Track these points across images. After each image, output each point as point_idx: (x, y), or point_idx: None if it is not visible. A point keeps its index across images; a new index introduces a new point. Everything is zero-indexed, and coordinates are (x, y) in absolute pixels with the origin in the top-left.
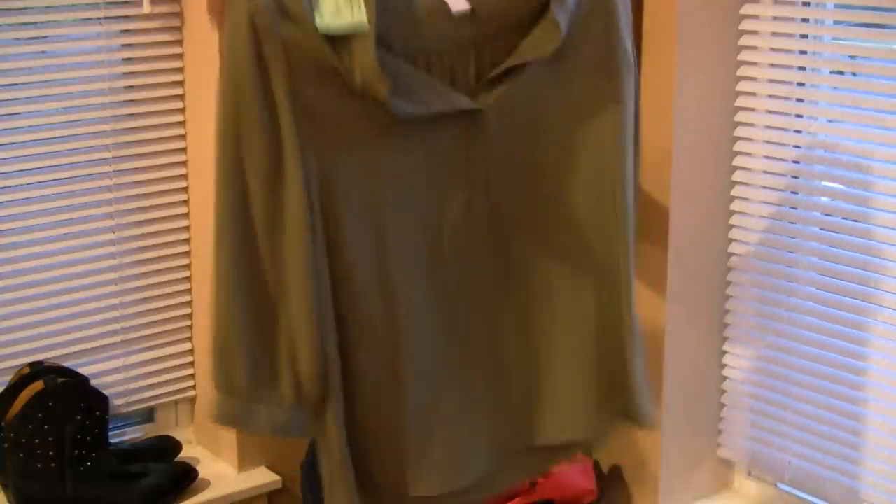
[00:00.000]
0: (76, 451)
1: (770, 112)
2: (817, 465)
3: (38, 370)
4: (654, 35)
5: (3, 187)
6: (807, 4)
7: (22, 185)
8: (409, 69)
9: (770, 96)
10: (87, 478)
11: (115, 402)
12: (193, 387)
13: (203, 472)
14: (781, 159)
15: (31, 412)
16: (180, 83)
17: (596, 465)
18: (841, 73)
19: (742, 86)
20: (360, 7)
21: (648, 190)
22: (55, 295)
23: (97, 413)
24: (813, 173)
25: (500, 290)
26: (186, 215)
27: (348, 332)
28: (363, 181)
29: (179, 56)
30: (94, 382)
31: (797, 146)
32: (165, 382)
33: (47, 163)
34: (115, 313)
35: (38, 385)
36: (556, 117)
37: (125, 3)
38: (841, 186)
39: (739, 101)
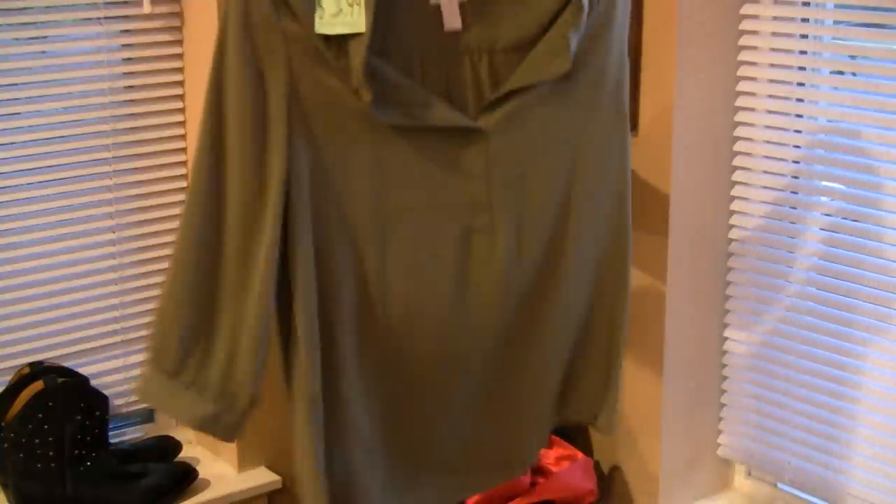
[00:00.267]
0: (76, 451)
1: (770, 112)
2: (817, 465)
3: (38, 370)
4: (654, 35)
5: (3, 187)
6: (807, 4)
7: (22, 185)
8: (403, 79)
9: (770, 96)
10: (87, 478)
11: (115, 402)
12: None
13: (203, 472)
14: (781, 159)
15: (31, 412)
16: (180, 83)
17: (596, 465)
18: (841, 73)
19: (742, 86)
20: (360, 9)
21: (648, 189)
22: (55, 295)
23: (97, 413)
24: (813, 173)
25: (497, 314)
26: None
27: (337, 341)
28: (359, 182)
29: (179, 56)
30: (94, 382)
31: (797, 146)
32: None
33: (47, 163)
34: (115, 313)
35: (38, 385)
36: (562, 136)
37: (125, 3)
38: (841, 186)
39: (739, 101)
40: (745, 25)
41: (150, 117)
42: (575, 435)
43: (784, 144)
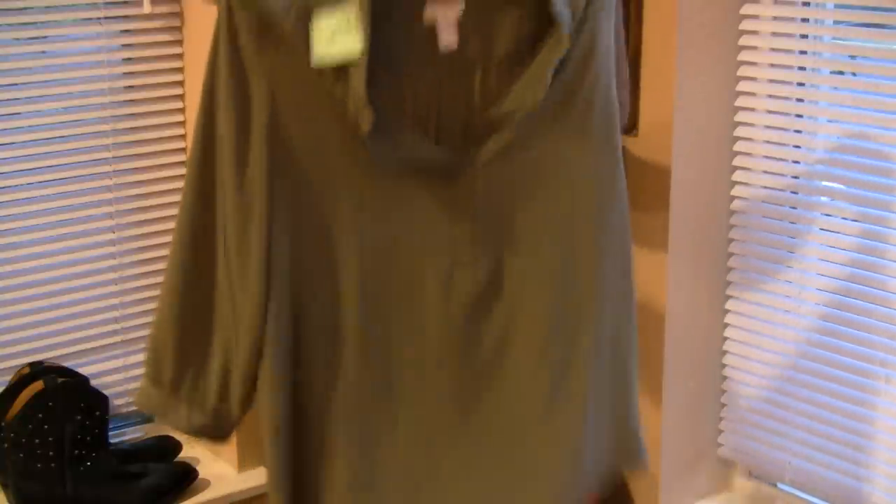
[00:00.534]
0: (76, 451)
1: (770, 112)
2: (817, 465)
3: (38, 370)
4: (654, 35)
5: (3, 187)
6: (807, 4)
7: (22, 185)
8: (393, 111)
9: (770, 96)
10: (87, 478)
11: (115, 402)
12: None
13: (203, 472)
14: (781, 159)
15: (31, 412)
16: (180, 83)
17: None
18: (841, 73)
19: (742, 86)
20: (355, 34)
21: (647, 191)
22: (55, 295)
23: (97, 413)
24: (813, 173)
25: (483, 360)
26: None
27: (310, 381)
28: (341, 220)
29: (179, 56)
30: (94, 382)
31: (797, 146)
32: None
33: (47, 163)
34: (115, 313)
35: (38, 385)
36: (553, 169)
37: (125, 3)
38: (841, 186)
39: (739, 102)
40: (745, 25)
41: (150, 117)
42: None
43: (784, 144)
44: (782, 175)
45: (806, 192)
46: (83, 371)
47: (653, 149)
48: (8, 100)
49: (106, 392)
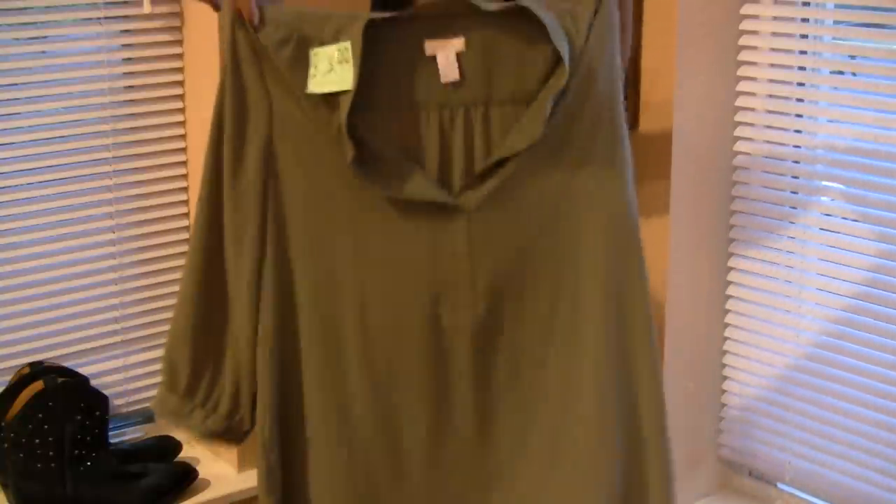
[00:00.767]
0: (76, 451)
1: (770, 112)
2: (817, 465)
3: (38, 370)
4: (654, 35)
5: (3, 187)
6: (807, 4)
7: (22, 185)
8: (386, 149)
9: (770, 96)
10: (87, 478)
11: (115, 402)
12: None
13: (203, 472)
14: (781, 159)
15: (31, 412)
16: (180, 83)
17: None
18: (841, 73)
19: (742, 86)
20: (348, 66)
21: (647, 194)
22: (55, 295)
23: (97, 413)
24: (813, 173)
25: (485, 403)
26: (186, 215)
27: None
28: (333, 250)
29: (179, 56)
30: (94, 382)
31: (797, 146)
32: None
33: (47, 163)
34: (115, 313)
35: (38, 385)
36: (554, 203)
37: (125, 3)
38: (841, 186)
39: (739, 101)
40: (745, 25)
41: (150, 117)
42: None
43: (784, 144)
44: (782, 175)
45: (806, 192)
46: (83, 371)
47: (653, 149)
48: (8, 100)
49: (106, 392)
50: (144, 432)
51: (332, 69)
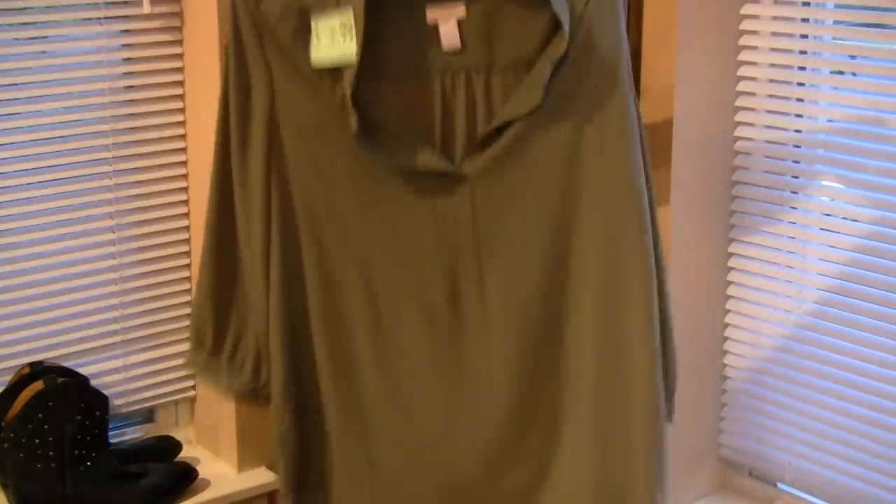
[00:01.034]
0: (76, 451)
1: (770, 112)
2: (817, 465)
3: (38, 370)
4: (655, 35)
5: (3, 187)
6: (807, 4)
7: (22, 185)
8: (390, 120)
9: (770, 96)
10: (87, 478)
11: (115, 402)
12: (193, 387)
13: (203, 472)
14: (781, 159)
15: (31, 412)
16: (180, 83)
17: None
18: (841, 73)
19: (742, 86)
20: (351, 37)
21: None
22: (55, 295)
23: (97, 413)
24: (813, 173)
25: (490, 366)
26: (186, 215)
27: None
28: (340, 218)
29: (179, 56)
30: (94, 382)
31: (797, 146)
32: (165, 382)
33: (47, 163)
34: (115, 313)
35: (38, 385)
36: (557, 169)
37: (125, 3)
38: (841, 186)
39: (739, 101)
40: (745, 25)
41: (150, 117)
42: None
43: (784, 144)
44: (782, 175)
45: (806, 192)
46: (83, 371)
47: (653, 149)
48: (8, 100)
49: (106, 392)
50: (144, 432)
51: (335, 39)
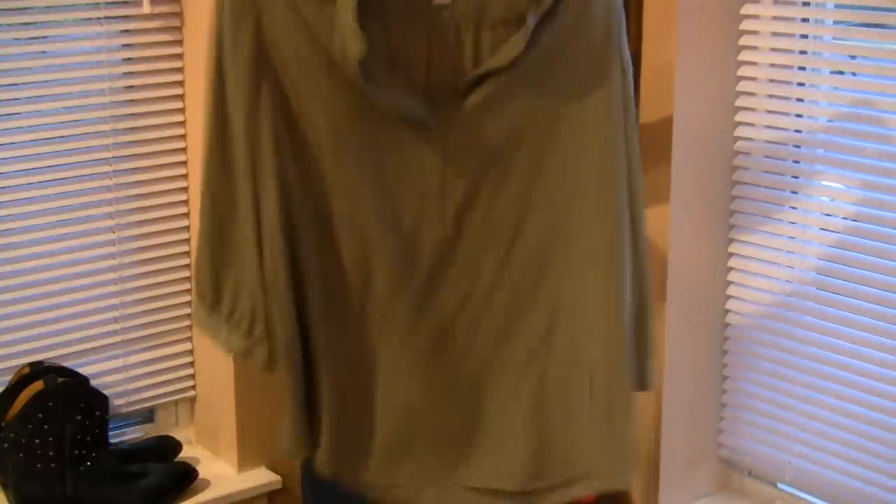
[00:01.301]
0: (76, 451)
1: (770, 112)
2: (817, 465)
3: (38, 370)
4: (654, 35)
5: (3, 187)
6: (807, 4)
7: (22, 185)
8: (383, 60)
9: (770, 96)
10: (87, 478)
11: (115, 402)
12: (193, 387)
13: (203, 472)
14: (781, 159)
15: (31, 412)
16: (180, 83)
17: None
18: (841, 73)
19: (742, 86)
20: None
21: (647, 192)
22: (55, 295)
23: (97, 413)
24: (813, 173)
25: (464, 311)
26: (186, 215)
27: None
28: (320, 151)
29: (179, 56)
30: (94, 382)
31: (797, 146)
32: (165, 382)
33: (47, 163)
34: (115, 313)
35: (38, 385)
36: (541, 127)
37: (125, 3)
38: (841, 186)
39: (739, 101)
40: (745, 25)
41: (150, 117)
42: None
43: (784, 144)
44: (782, 175)
45: (806, 192)
46: (83, 371)
47: (653, 149)
48: (8, 100)
49: (106, 392)
50: (144, 432)
51: None
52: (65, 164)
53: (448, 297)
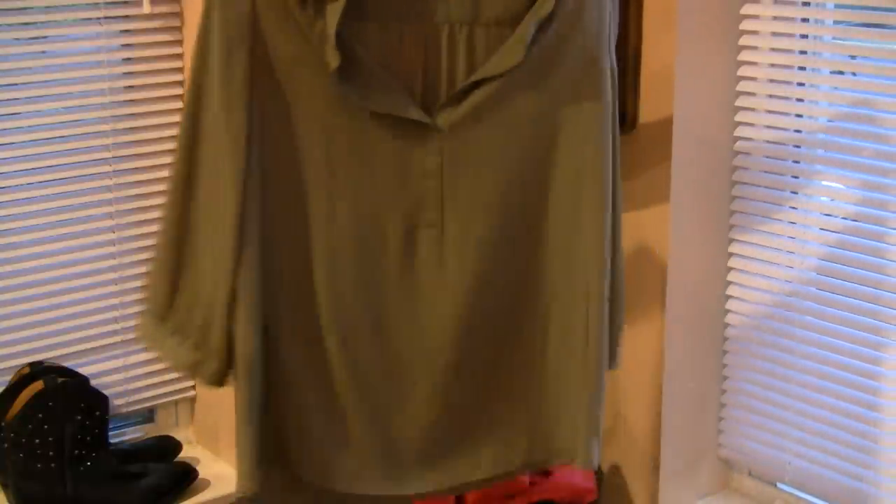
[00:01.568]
0: (76, 451)
1: (770, 112)
2: (817, 465)
3: (38, 370)
4: (654, 35)
5: (3, 187)
6: (807, 4)
7: (22, 185)
8: (371, 62)
9: (770, 96)
10: (87, 478)
11: (115, 402)
12: (193, 387)
13: (203, 472)
14: (781, 159)
15: (31, 412)
16: (180, 83)
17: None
18: (841, 72)
19: (742, 86)
20: None
21: (646, 194)
22: (55, 295)
23: (97, 413)
24: (813, 173)
25: (443, 315)
26: None
27: (279, 316)
28: (310, 157)
29: (179, 56)
30: (94, 382)
31: (797, 146)
32: (165, 382)
33: (47, 163)
34: (115, 313)
35: (38, 385)
36: (531, 132)
37: (125, 3)
38: (841, 186)
39: (739, 101)
40: (745, 25)
41: (150, 117)
42: None
43: (784, 144)
44: (782, 175)
45: (806, 192)
46: (83, 371)
47: (652, 149)
48: (8, 100)
49: (106, 392)
50: (144, 432)
51: None
52: (65, 164)
53: (438, 305)
